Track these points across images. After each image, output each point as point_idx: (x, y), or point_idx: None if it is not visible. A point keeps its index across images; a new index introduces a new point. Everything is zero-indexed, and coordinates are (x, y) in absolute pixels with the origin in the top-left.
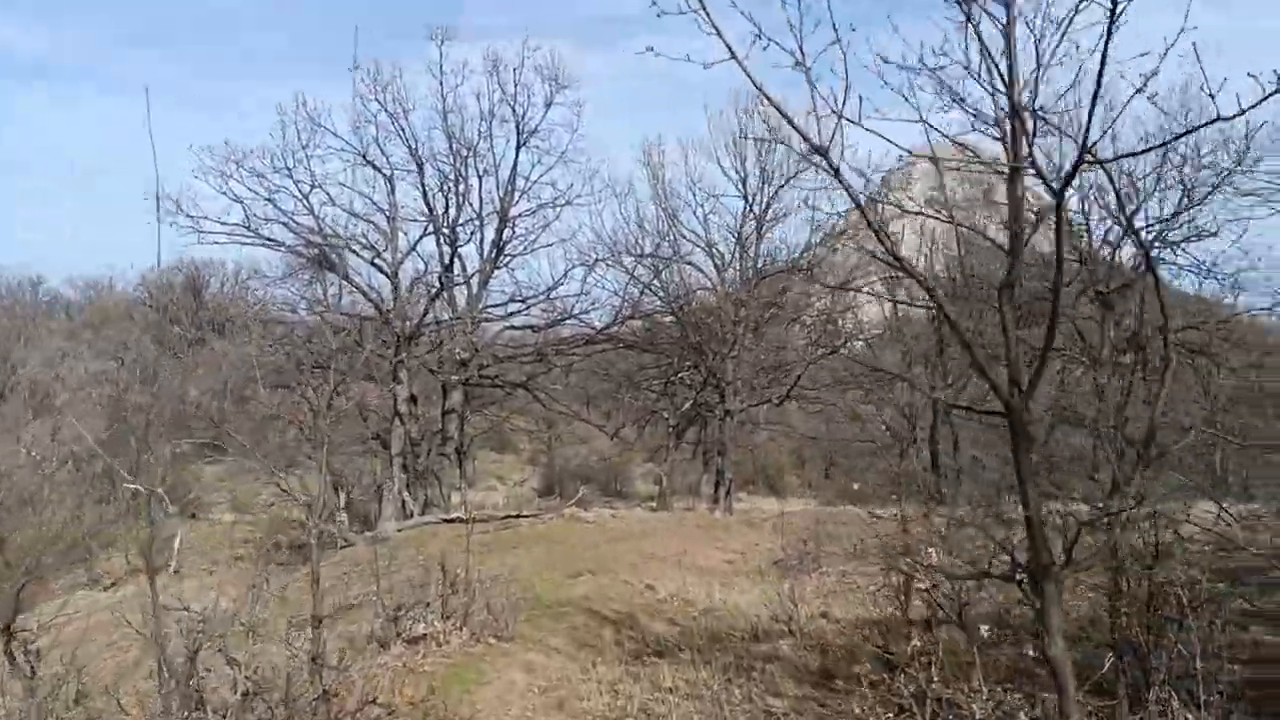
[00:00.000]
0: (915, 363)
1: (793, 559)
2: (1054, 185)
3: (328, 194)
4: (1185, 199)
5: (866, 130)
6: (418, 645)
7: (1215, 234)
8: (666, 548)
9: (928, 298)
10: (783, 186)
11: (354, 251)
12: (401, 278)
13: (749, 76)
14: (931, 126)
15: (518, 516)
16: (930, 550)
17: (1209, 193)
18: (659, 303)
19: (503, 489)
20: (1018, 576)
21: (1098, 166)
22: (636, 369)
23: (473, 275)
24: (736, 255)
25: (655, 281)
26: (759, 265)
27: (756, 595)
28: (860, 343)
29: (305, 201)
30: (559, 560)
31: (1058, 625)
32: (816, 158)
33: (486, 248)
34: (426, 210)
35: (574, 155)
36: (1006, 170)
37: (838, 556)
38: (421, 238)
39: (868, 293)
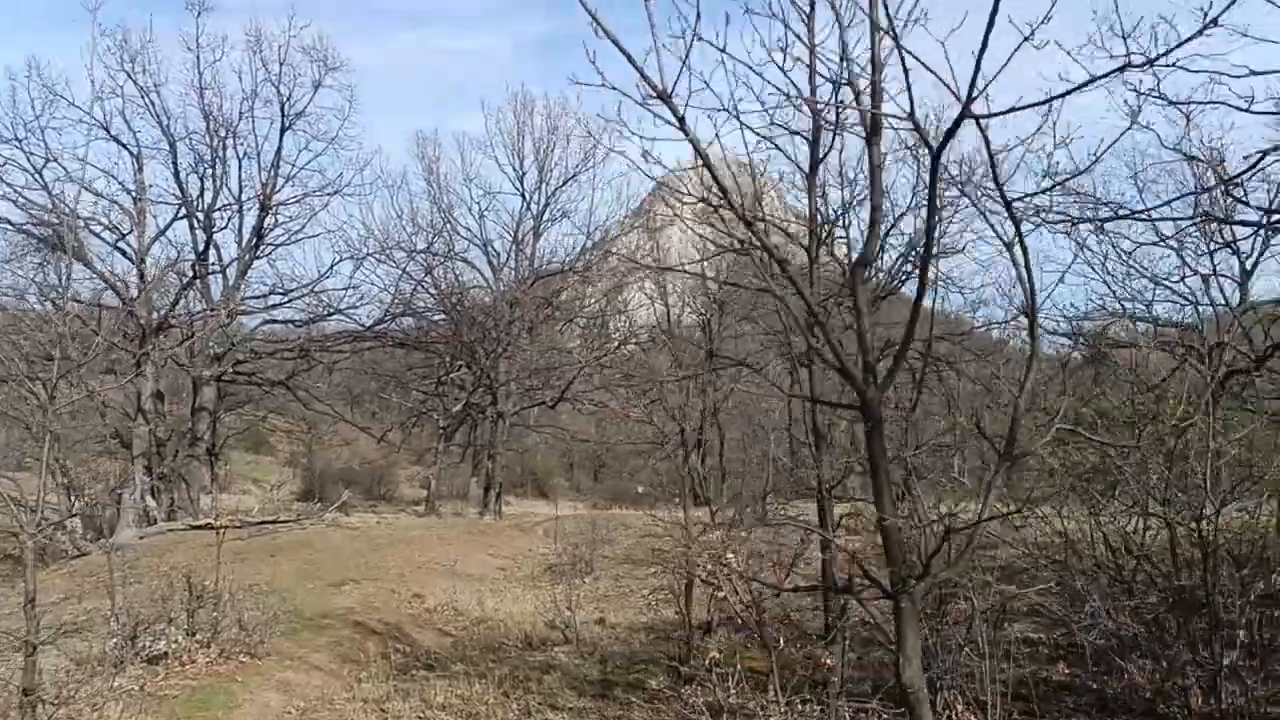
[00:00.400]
0: (683, 366)
1: (566, 564)
2: (932, 143)
3: (64, 168)
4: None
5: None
6: (158, 666)
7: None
8: (435, 555)
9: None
10: (561, 187)
11: (94, 233)
12: (150, 265)
13: (583, 4)
14: (738, 117)
15: (275, 522)
16: (730, 556)
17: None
18: (431, 301)
19: (259, 493)
20: (855, 589)
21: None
22: (405, 369)
23: (230, 264)
24: (513, 254)
25: (428, 279)
26: (535, 265)
27: (530, 603)
28: (633, 345)
29: (38, 176)
30: (321, 569)
31: (915, 646)
32: (657, 103)
33: (246, 235)
34: (179, 192)
35: (344, 143)
36: (864, 131)
37: (611, 560)
38: (173, 221)
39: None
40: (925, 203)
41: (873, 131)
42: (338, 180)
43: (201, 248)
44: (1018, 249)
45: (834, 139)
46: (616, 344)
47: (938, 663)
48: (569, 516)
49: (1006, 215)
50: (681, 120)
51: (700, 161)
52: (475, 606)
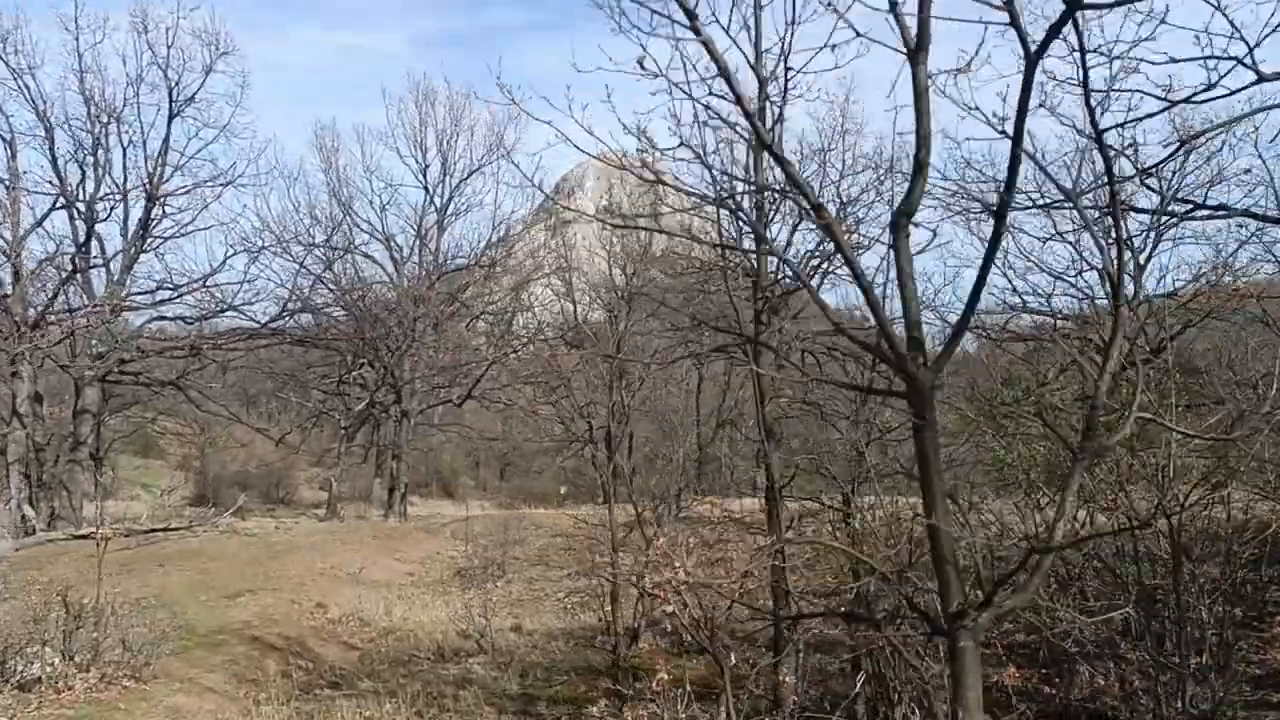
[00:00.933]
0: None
1: (477, 567)
2: (1030, 44)
3: None
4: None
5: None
6: (30, 693)
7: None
8: (338, 561)
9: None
10: (466, 179)
11: None
12: (25, 258)
13: None
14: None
15: (164, 530)
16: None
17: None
18: (331, 296)
19: (148, 498)
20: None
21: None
22: (304, 367)
23: (114, 257)
24: (416, 249)
25: (327, 273)
26: (440, 260)
27: (441, 610)
28: (540, 341)
29: None
30: (215, 579)
31: (976, 696)
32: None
33: (131, 228)
34: (57, 181)
35: (237, 131)
36: (908, 48)
37: (523, 562)
38: (50, 211)
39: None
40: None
41: (918, 46)
42: (230, 170)
43: (83, 239)
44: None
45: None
46: (524, 340)
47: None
48: (478, 517)
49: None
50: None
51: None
52: (382, 616)
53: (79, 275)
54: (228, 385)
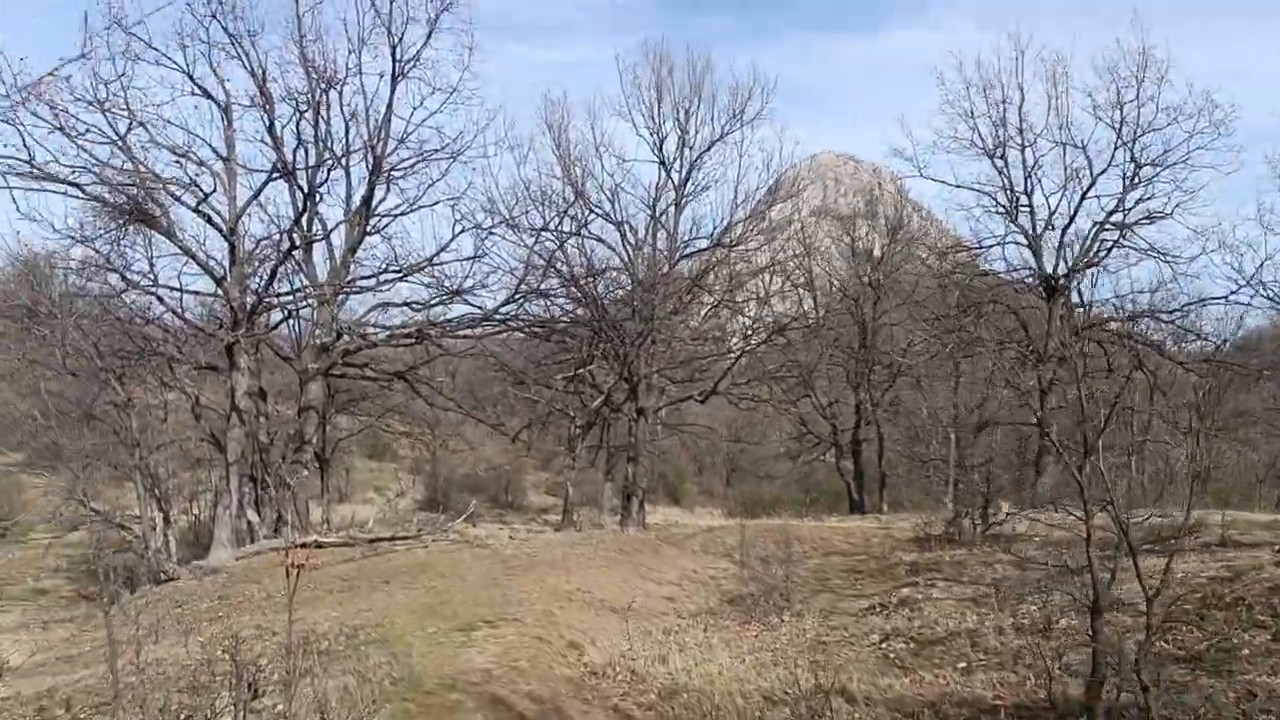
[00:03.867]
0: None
1: (754, 595)
2: None
3: (147, 130)
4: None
5: None
6: None
7: (1169, 215)
8: (583, 581)
9: None
10: (706, 151)
11: (174, 197)
12: (243, 237)
13: None
14: None
15: (391, 539)
16: None
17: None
18: (561, 283)
19: (380, 501)
20: None
21: None
22: (533, 364)
23: (332, 229)
24: (651, 231)
25: (558, 257)
26: (678, 242)
27: (724, 656)
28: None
29: (121, 143)
30: (445, 602)
31: None
32: None
33: (354, 204)
34: (275, 152)
35: (465, 96)
36: None
37: (804, 588)
38: (267, 182)
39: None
40: None
41: None
42: (458, 140)
43: (300, 214)
44: None
45: None
46: (769, 332)
47: None
48: (720, 528)
49: None
50: None
51: None
52: (657, 664)
53: (297, 252)
54: (456, 385)
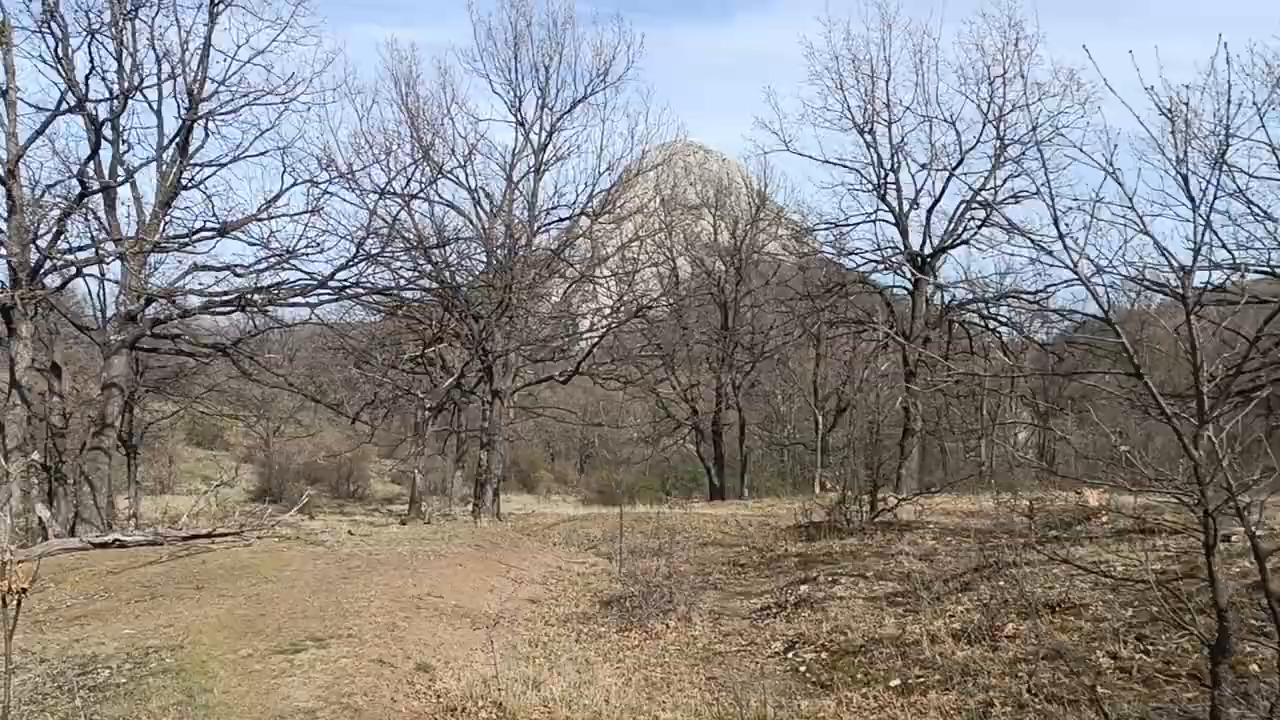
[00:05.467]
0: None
1: (633, 595)
2: None
3: None
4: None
5: None
6: None
7: (1035, 194)
8: (436, 583)
9: None
10: (568, 113)
11: None
12: (22, 181)
13: None
14: None
15: (209, 536)
16: None
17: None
18: (406, 249)
19: (206, 492)
20: None
21: None
22: (376, 343)
23: (137, 168)
24: (508, 198)
25: (404, 218)
26: (537, 211)
27: (612, 676)
28: (651, 310)
29: None
30: (267, 613)
31: None
32: None
33: (168, 152)
34: (63, 79)
35: (297, 34)
36: None
37: (684, 586)
38: (55, 115)
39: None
40: None
41: None
42: (290, 82)
43: (94, 152)
44: None
45: None
46: (635, 309)
47: None
48: (583, 517)
49: None
50: None
51: None
52: (528, 691)
53: (91, 201)
54: (294, 368)
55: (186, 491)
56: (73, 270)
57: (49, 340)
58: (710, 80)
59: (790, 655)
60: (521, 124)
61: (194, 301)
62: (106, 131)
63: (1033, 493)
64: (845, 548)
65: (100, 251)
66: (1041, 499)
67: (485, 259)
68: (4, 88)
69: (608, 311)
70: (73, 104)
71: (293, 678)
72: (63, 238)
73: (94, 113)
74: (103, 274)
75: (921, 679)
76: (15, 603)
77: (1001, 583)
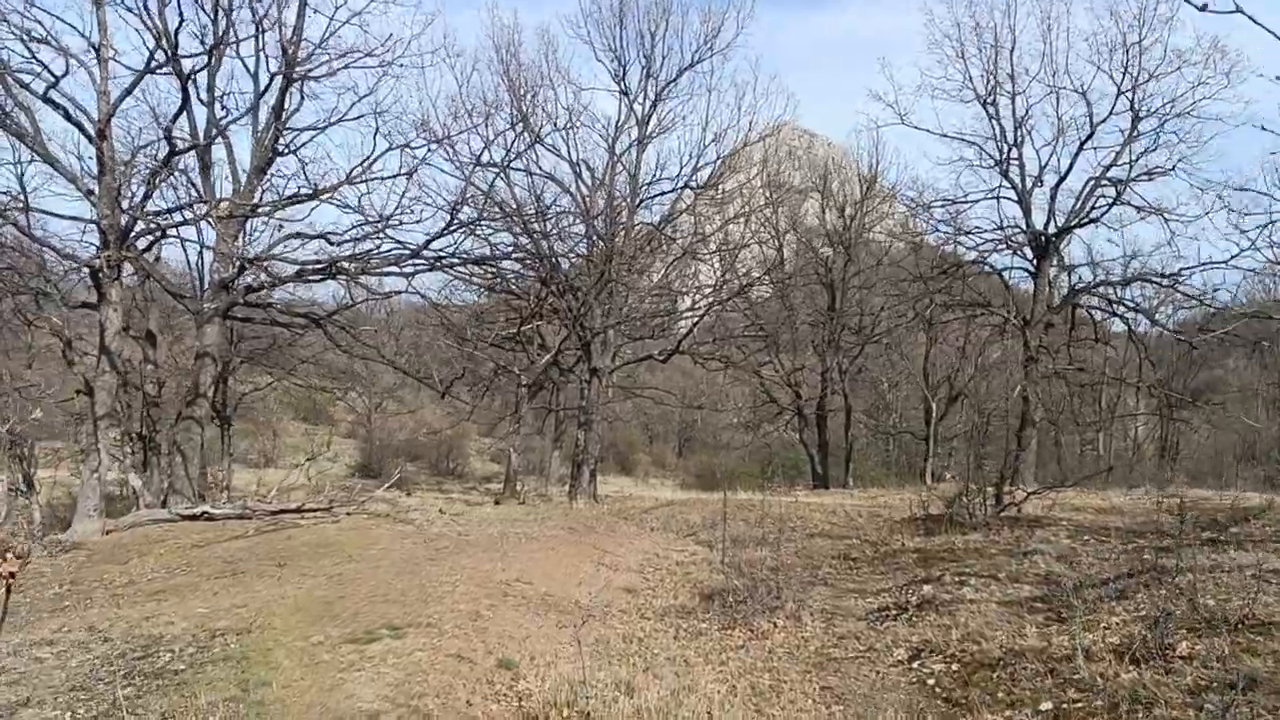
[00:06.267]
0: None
1: (737, 590)
2: None
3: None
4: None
5: None
6: None
7: (1171, 170)
8: (526, 568)
9: None
10: (673, 81)
11: (19, 83)
12: (115, 143)
13: None
14: None
15: (298, 511)
16: None
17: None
18: (504, 218)
19: (312, 467)
20: None
21: None
22: (475, 321)
23: (228, 123)
24: (610, 171)
25: (502, 184)
26: (639, 184)
27: (714, 681)
28: (755, 289)
29: None
30: (345, 596)
31: None
32: None
33: (263, 115)
34: (154, 38)
35: None
36: None
37: (793, 580)
38: (145, 73)
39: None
40: None
41: None
42: (388, 43)
43: (181, 109)
44: None
45: None
46: (741, 286)
47: None
48: (681, 502)
49: None
50: None
51: None
52: (620, 697)
53: (182, 162)
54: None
55: (290, 465)
56: (159, 232)
57: (145, 308)
58: (814, 66)
59: (916, 665)
60: (625, 93)
61: (287, 270)
62: (198, 91)
63: (1171, 489)
64: (969, 544)
65: (190, 213)
66: (1184, 497)
67: (585, 232)
68: (96, 45)
69: (709, 290)
70: (163, 61)
71: (361, 672)
72: (153, 199)
73: (184, 69)
74: (201, 241)
75: (1079, 704)
76: (4, 589)
77: (1163, 591)
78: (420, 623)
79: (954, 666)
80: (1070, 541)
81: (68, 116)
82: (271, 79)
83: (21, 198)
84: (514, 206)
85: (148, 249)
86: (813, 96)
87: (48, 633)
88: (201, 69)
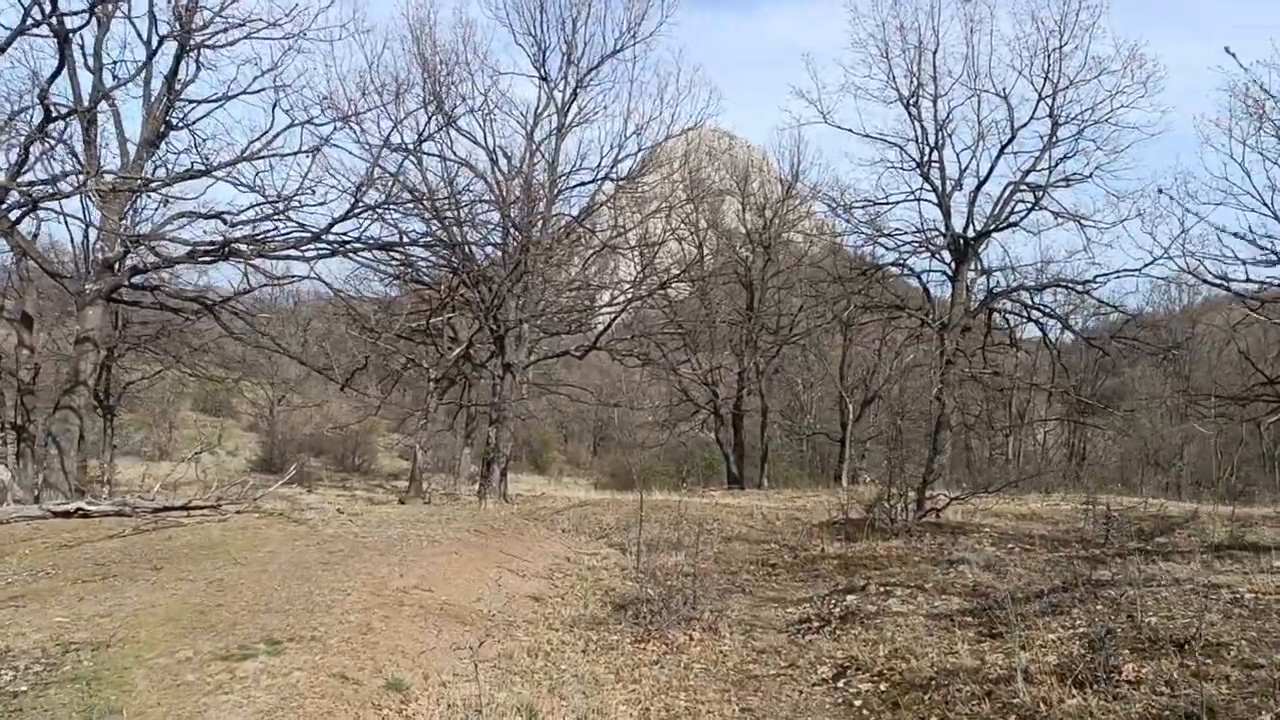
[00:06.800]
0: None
1: (651, 600)
2: None
3: None
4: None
5: None
6: None
7: (1088, 177)
8: (427, 573)
9: None
10: (595, 69)
11: None
12: None
13: None
14: None
15: (184, 508)
16: None
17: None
18: (414, 200)
19: (211, 461)
20: None
21: None
22: (384, 312)
23: (112, 88)
24: (527, 159)
25: (411, 165)
26: (558, 173)
27: (625, 703)
28: (676, 284)
29: None
30: (224, 604)
31: None
32: None
33: (155, 85)
34: None
35: None
36: None
37: (714, 584)
38: (20, 32)
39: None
40: None
41: None
42: (293, 14)
43: (58, 71)
44: None
45: None
46: (662, 282)
47: None
48: (595, 502)
49: None
50: None
51: None
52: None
53: (59, 129)
54: (306, 339)
55: (185, 458)
56: (30, 204)
57: (21, 288)
58: (737, 70)
59: (841, 684)
60: (545, 79)
61: (179, 251)
62: (86, 57)
63: (1085, 496)
64: (891, 551)
65: (68, 185)
66: (1109, 504)
67: (500, 221)
68: None
69: (628, 285)
70: (39, 18)
71: (229, 695)
72: (31, 170)
73: (63, 27)
74: (88, 220)
75: None
76: None
77: (1100, 606)
78: (303, 636)
79: (882, 686)
80: (995, 549)
81: None
82: (161, 41)
83: None
84: (426, 190)
85: (17, 222)
86: (735, 103)
87: None
88: (83, 26)
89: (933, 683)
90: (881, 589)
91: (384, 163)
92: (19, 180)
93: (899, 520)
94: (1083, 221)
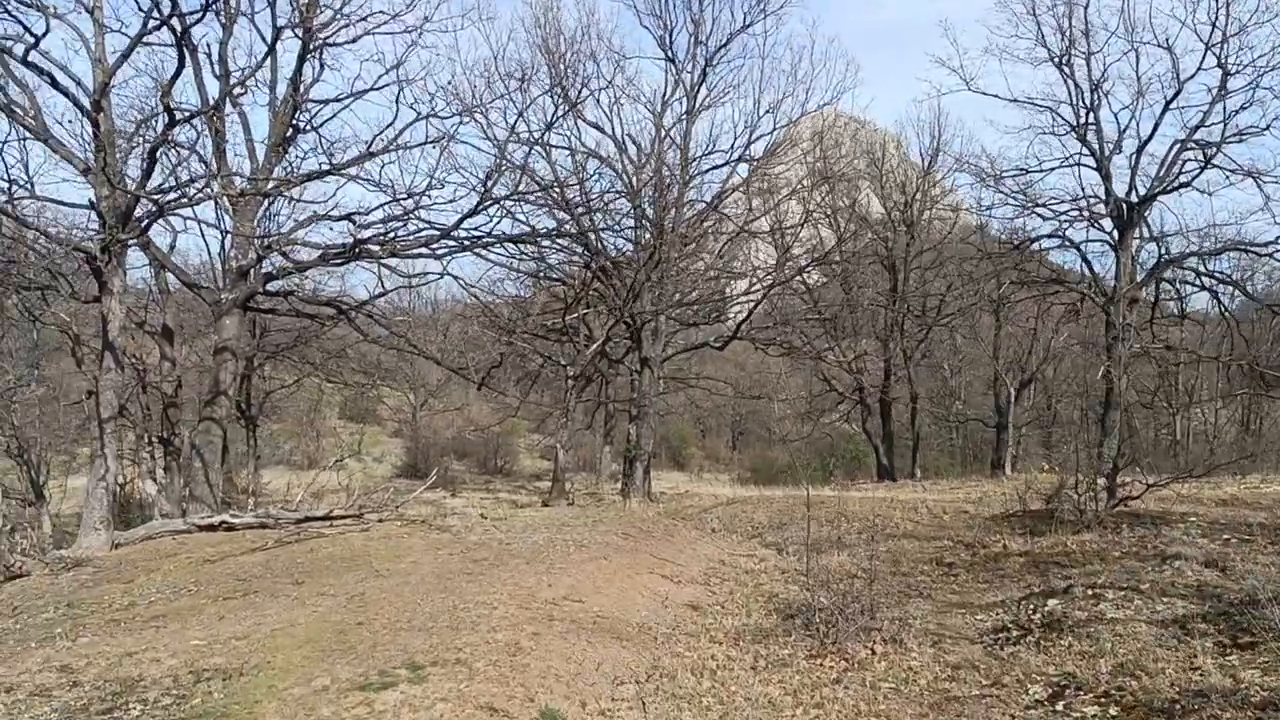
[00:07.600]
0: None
1: (825, 608)
2: None
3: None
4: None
5: None
6: None
7: (1265, 130)
8: (576, 582)
9: None
10: (724, 46)
11: (6, 53)
12: (110, 112)
13: None
14: None
15: (326, 518)
16: None
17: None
18: (541, 192)
19: (357, 469)
20: None
21: None
22: (519, 312)
23: (231, 86)
24: (657, 146)
25: (539, 154)
26: (690, 159)
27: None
28: (817, 266)
29: None
30: (364, 622)
31: None
32: None
33: (280, 90)
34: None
35: None
36: None
37: (882, 594)
38: (142, 36)
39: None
40: None
41: None
42: (415, 2)
43: (177, 74)
44: None
45: None
46: (804, 264)
47: None
48: (742, 500)
49: None
50: None
51: None
52: None
53: (181, 134)
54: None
55: (334, 467)
56: (158, 211)
57: (161, 301)
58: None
59: (1061, 708)
60: (672, 60)
61: (310, 255)
62: (213, 64)
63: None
64: (1085, 546)
65: (195, 190)
66: None
67: (631, 211)
68: (89, 6)
69: (766, 272)
70: (160, 21)
71: None
72: (159, 179)
73: (183, 28)
74: (222, 228)
75: None
76: None
77: None
78: (448, 659)
79: (1112, 710)
80: (1209, 542)
81: (54, 84)
82: (277, 34)
83: (21, 182)
84: (555, 180)
85: (146, 229)
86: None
87: (16, 674)
88: (197, 23)
89: (1177, 707)
90: (1088, 591)
91: (510, 155)
92: (147, 187)
93: (1088, 511)
94: (1261, 178)
